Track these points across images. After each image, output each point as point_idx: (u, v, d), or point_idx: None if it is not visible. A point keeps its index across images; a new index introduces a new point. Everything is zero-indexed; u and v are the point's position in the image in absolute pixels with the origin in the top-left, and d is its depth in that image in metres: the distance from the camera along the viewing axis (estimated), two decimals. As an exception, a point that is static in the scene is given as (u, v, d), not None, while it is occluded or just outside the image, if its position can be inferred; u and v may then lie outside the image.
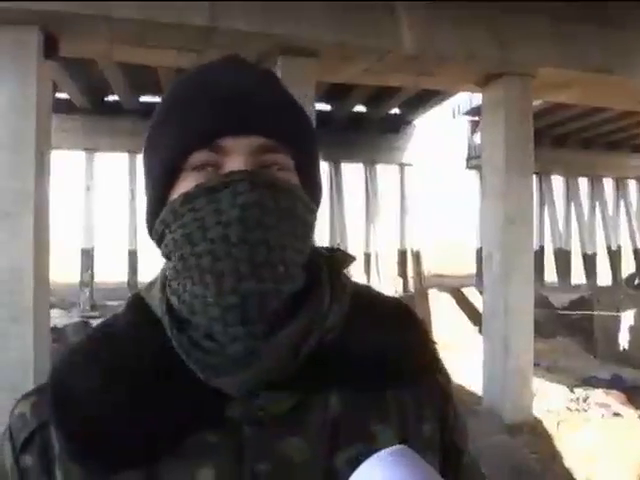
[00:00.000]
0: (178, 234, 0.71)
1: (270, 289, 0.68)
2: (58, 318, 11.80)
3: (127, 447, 0.69)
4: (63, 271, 14.79)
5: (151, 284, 0.83)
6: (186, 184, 0.71)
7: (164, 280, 0.78)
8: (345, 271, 0.85)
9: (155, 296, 0.79)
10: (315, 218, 0.79)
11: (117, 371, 0.73)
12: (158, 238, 0.77)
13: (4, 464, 0.75)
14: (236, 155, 0.71)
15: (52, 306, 8.38)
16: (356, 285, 0.86)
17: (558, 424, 6.73)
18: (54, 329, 9.13)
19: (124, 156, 17.03)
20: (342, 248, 0.92)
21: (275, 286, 0.68)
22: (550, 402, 7.41)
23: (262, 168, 0.72)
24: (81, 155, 16.43)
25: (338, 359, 0.75)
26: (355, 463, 0.65)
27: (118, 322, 0.80)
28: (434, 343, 0.87)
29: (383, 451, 0.63)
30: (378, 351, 0.77)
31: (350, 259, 0.87)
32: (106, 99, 15.15)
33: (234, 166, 0.70)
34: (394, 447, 0.64)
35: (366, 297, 0.85)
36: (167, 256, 0.76)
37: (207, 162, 0.71)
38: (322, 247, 0.85)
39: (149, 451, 0.69)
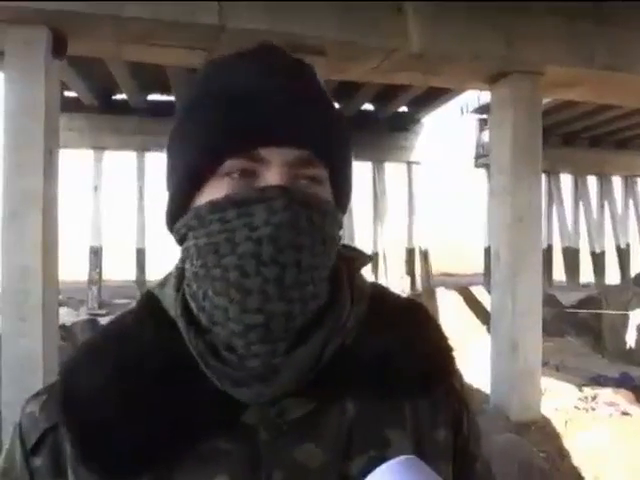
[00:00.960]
0: (203, 241, 0.69)
1: (297, 310, 0.66)
2: (66, 316, 11.84)
3: (136, 452, 0.67)
4: (71, 269, 14.85)
5: (164, 281, 0.80)
6: (216, 190, 0.69)
7: (180, 278, 0.76)
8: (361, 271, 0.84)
9: (169, 294, 0.77)
10: (341, 229, 0.77)
11: (127, 372, 0.71)
12: (179, 239, 0.74)
13: (14, 462, 0.74)
14: (273, 167, 0.68)
15: (60, 304, 8.41)
16: (373, 286, 0.85)
17: (566, 423, 6.71)
18: (62, 327, 9.17)
19: (132, 155, 17.06)
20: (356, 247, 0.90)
21: (302, 306, 0.67)
22: (558, 401, 7.39)
23: (297, 181, 0.69)
24: (89, 154, 16.47)
25: (355, 364, 0.74)
26: (369, 469, 0.64)
27: (129, 320, 0.78)
28: (451, 348, 0.85)
29: (392, 461, 0.62)
30: (395, 356, 0.76)
31: (367, 259, 0.86)
32: (114, 98, 15.17)
33: (270, 179, 0.67)
34: (403, 457, 0.63)
35: (383, 299, 0.83)
36: (188, 257, 0.73)
37: (240, 170, 0.68)
38: (341, 245, 0.81)
39: (160, 457, 0.67)
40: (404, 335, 0.79)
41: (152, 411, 0.68)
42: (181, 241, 0.74)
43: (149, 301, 0.79)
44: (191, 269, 0.72)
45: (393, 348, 0.76)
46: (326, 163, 0.72)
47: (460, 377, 0.87)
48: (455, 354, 0.85)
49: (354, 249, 0.86)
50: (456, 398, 0.83)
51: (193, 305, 0.72)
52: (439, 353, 0.82)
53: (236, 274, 0.65)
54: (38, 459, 0.71)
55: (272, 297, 0.64)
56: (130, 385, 0.70)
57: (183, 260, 0.75)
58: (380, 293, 0.84)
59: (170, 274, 0.80)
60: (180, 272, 0.77)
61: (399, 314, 0.82)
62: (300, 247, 0.66)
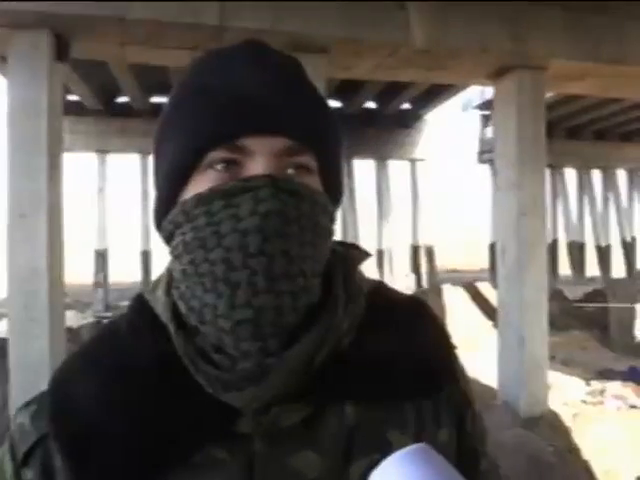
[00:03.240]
0: (189, 237, 0.67)
1: (287, 304, 0.64)
2: (73, 319, 11.86)
3: (130, 463, 0.65)
4: (77, 272, 14.88)
5: (155, 284, 0.78)
6: (201, 184, 0.67)
7: (170, 281, 0.75)
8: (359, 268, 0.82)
9: (159, 299, 0.75)
10: (334, 223, 0.75)
11: (118, 380, 0.69)
12: (167, 236, 0.72)
13: (4, 475, 0.72)
14: (258, 157, 0.66)
15: (67, 307, 8.42)
16: (371, 283, 0.84)
17: (574, 417, 6.71)
18: (69, 330, 9.18)
19: (135, 157, 17.08)
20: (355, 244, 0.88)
21: (292, 301, 0.64)
22: (566, 395, 7.39)
23: (284, 170, 0.67)
24: (93, 157, 16.49)
25: (353, 366, 0.71)
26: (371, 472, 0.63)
27: (120, 325, 0.76)
28: (453, 346, 0.84)
29: (403, 449, 0.62)
30: (395, 356, 0.74)
31: (365, 256, 0.83)
32: (117, 101, 15.19)
33: (256, 169, 0.66)
34: (414, 445, 0.63)
35: (382, 297, 0.82)
36: (175, 257, 0.71)
37: (225, 161, 0.67)
38: (336, 242, 0.79)
39: (151, 467, 0.65)
40: (404, 334, 0.77)
41: (145, 421, 0.67)
42: (168, 239, 0.73)
43: (141, 306, 0.77)
44: (179, 267, 0.70)
45: (393, 348, 0.74)
46: (314, 153, 0.70)
47: (463, 374, 0.84)
48: (458, 351, 0.84)
49: (351, 245, 0.85)
50: (459, 396, 0.81)
51: (182, 306, 0.70)
52: (441, 351, 0.81)
53: (223, 267, 0.63)
54: (29, 471, 0.70)
55: (260, 290, 0.62)
56: (122, 395, 0.68)
57: (172, 261, 0.73)
58: (378, 291, 0.83)
59: (161, 277, 0.78)
60: (170, 275, 0.75)
61: (400, 312, 0.80)
62: (287, 236, 0.64)
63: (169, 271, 0.76)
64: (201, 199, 0.66)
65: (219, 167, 0.67)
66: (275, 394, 0.65)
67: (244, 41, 0.74)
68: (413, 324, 0.79)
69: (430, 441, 0.71)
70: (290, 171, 0.68)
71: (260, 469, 0.66)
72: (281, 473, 0.66)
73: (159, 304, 0.74)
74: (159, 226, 0.74)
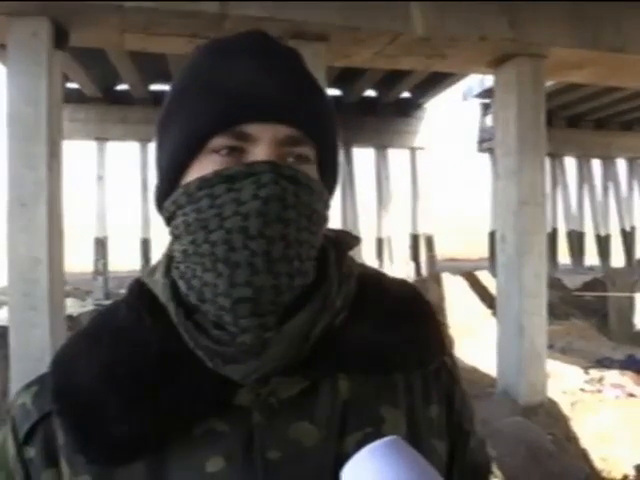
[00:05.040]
0: (192, 217, 0.69)
1: (284, 284, 0.67)
2: (73, 307, 11.88)
3: (131, 436, 0.67)
4: (77, 260, 14.89)
5: (153, 269, 0.81)
6: (204, 167, 0.69)
7: (168, 264, 0.77)
8: (353, 254, 0.85)
9: (158, 281, 0.77)
10: (329, 210, 0.78)
11: (120, 358, 0.71)
12: (167, 217, 0.75)
13: (6, 454, 0.74)
14: (261, 143, 0.69)
15: (67, 295, 8.45)
16: (362, 267, 0.86)
17: (573, 405, 6.74)
18: (69, 318, 9.19)
19: (135, 145, 17.07)
20: (353, 232, 0.91)
21: (289, 281, 0.67)
22: (565, 383, 7.41)
23: (285, 158, 0.70)
24: (92, 145, 16.47)
25: (346, 343, 0.74)
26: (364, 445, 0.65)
27: (120, 309, 0.78)
28: (442, 324, 0.86)
29: (375, 443, 0.62)
30: (386, 334, 0.76)
31: (355, 241, 0.86)
32: (116, 88, 15.16)
33: (259, 155, 0.68)
34: (386, 438, 0.63)
35: (372, 278, 0.84)
36: (176, 237, 0.74)
37: (228, 147, 0.69)
38: (328, 228, 0.82)
39: (154, 440, 0.67)
40: (395, 314, 0.79)
41: (147, 396, 0.69)
42: (168, 220, 0.75)
43: (140, 289, 0.79)
44: (180, 247, 0.72)
45: (383, 325, 0.77)
46: (314, 143, 0.73)
47: (452, 355, 0.87)
48: (448, 332, 0.86)
49: (342, 231, 0.87)
50: (447, 375, 0.84)
51: (182, 286, 0.73)
52: (430, 328, 0.83)
53: (224, 248, 0.66)
54: (32, 449, 0.72)
55: (260, 270, 0.65)
56: (124, 371, 0.70)
57: (171, 242, 0.76)
58: (369, 273, 0.85)
59: (159, 262, 0.80)
60: (168, 259, 0.78)
61: (389, 294, 0.83)
62: (287, 221, 0.66)
63: (166, 256, 0.78)
64: (205, 182, 0.68)
65: (223, 152, 0.69)
66: (274, 366, 0.68)
67: (247, 31, 0.76)
68: (402, 304, 0.82)
69: (421, 416, 0.77)
70: (290, 160, 0.70)
71: (259, 439, 0.68)
72: (280, 443, 0.68)
73: (158, 285, 0.76)
74: (160, 207, 0.77)
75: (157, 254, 0.86)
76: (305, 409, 0.71)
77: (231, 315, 0.67)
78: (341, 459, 0.66)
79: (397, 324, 0.78)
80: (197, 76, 0.73)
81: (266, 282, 0.65)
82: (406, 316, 0.80)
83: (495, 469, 0.92)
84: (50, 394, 0.72)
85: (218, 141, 0.69)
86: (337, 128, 0.79)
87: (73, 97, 13.80)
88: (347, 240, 0.84)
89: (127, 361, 0.71)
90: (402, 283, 0.88)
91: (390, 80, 13.97)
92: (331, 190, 0.80)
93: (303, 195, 0.69)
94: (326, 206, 0.76)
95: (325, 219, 0.76)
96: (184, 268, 0.72)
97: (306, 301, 0.70)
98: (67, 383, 0.72)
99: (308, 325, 0.70)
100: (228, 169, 0.68)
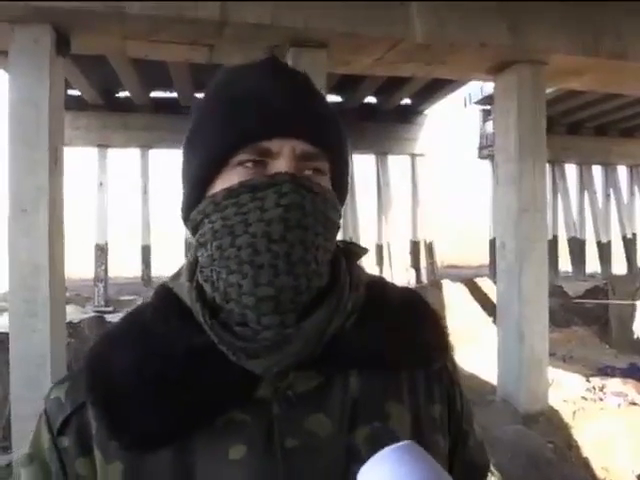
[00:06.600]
0: (219, 224, 0.76)
1: (303, 284, 0.74)
2: (73, 313, 11.87)
3: (161, 425, 0.74)
4: (77, 267, 14.88)
5: (177, 274, 0.88)
6: (229, 180, 0.77)
7: (192, 269, 0.84)
8: (358, 262, 0.92)
9: (183, 284, 0.83)
10: (340, 218, 0.85)
11: (149, 354, 0.78)
12: (194, 227, 0.82)
13: (40, 446, 0.80)
14: (281, 158, 0.76)
15: (67, 301, 8.44)
16: (370, 275, 0.93)
17: (574, 414, 6.71)
18: (69, 324, 9.19)
19: (136, 152, 17.08)
20: (354, 240, 0.96)
21: (307, 282, 0.74)
22: (566, 391, 7.39)
23: (302, 171, 0.77)
24: (93, 152, 16.47)
25: (357, 343, 0.80)
26: (372, 440, 0.75)
27: (147, 310, 0.85)
28: (445, 328, 0.93)
29: (390, 447, 0.65)
30: (392, 335, 0.83)
31: (363, 251, 0.94)
32: (117, 95, 15.17)
33: (280, 168, 0.76)
34: (401, 443, 0.66)
35: (380, 286, 0.91)
36: (202, 244, 0.80)
37: (252, 161, 0.76)
38: (337, 240, 0.89)
39: (182, 429, 0.74)
40: (400, 317, 0.86)
41: (175, 389, 0.75)
42: (195, 229, 0.82)
43: (165, 292, 0.86)
44: (205, 253, 0.79)
45: (390, 328, 0.83)
46: (328, 158, 0.81)
47: (452, 359, 0.95)
48: (450, 336, 0.93)
49: (352, 243, 0.95)
50: (449, 376, 0.91)
51: (208, 288, 0.80)
52: (434, 334, 0.90)
53: (249, 251, 0.73)
54: (66, 439, 0.78)
55: (281, 271, 0.73)
56: (153, 367, 0.76)
57: (196, 249, 0.83)
58: (377, 281, 0.93)
59: (182, 267, 0.88)
60: (192, 264, 0.85)
61: (396, 299, 0.89)
62: (305, 227, 0.74)
63: (190, 263, 0.86)
64: (231, 192, 0.76)
65: (248, 165, 0.77)
66: (293, 361, 0.75)
67: (265, 58, 0.85)
68: (408, 308, 0.90)
69: (424, 414, 0.84)
70: (307, 172, 0.78)
71: (279, 429, 0.75)
72: (297, 433, 0.75)
73: (184, 288, 0.83)
74: (186, 218, 0.84)
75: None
76: (320, 402, 0.78)
77: (255, 313, 0.75)
78: (351, 450, 0.75)
79: (403, 326, 0.85)
80: (221, 96, 0.81)
81: (287, 282, 0.73)
82: (411, 319, 0.87)
83: (494, 469, 0.98)
84: (84, 386, 0.78)
85: (243, 156, 0.76)
86: (347, 143, 0.87)
87: (74, 104, 13.81)
88: (356, 250, 0.92)
89: (156, 357, 0.77)
90: (406, 289, 0.95)
91: (390, 87, 13.98)
92: (342, 200, 0.87)
93: (319, 204, 0.77)
94: (338, 215, 0.84)
95: (338, 226, 0.84)
96: (209, 272, 0.79)
97: (321, 302, 0.77)
98: (101, 376, 0.78)
99: (324, 323, 0.77)
100: (252, 180, 0.75)
